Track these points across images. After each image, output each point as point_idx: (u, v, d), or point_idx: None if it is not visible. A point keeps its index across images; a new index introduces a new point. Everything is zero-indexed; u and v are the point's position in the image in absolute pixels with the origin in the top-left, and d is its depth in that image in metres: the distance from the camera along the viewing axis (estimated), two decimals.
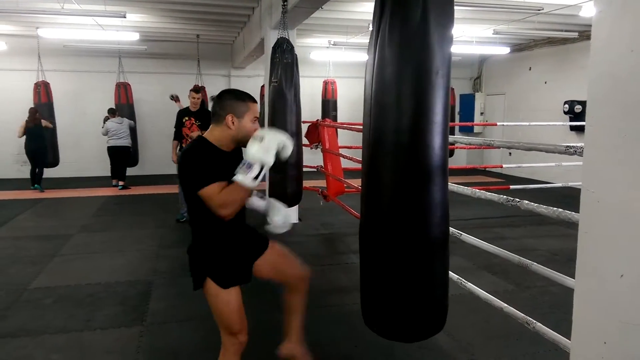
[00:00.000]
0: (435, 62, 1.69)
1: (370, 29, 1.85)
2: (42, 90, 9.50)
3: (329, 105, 11.41)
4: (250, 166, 1.95)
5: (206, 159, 2.07)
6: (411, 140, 1.72)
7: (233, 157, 2.17)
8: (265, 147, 1.96)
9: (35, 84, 9.51)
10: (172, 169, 11.10)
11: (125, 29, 9.00)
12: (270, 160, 1.97)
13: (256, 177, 1.96)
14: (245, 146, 2.06)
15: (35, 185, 9.00)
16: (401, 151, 1.73)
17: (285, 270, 2.47)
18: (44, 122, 8.95)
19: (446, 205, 1.82)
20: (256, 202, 2.38)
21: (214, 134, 2.15)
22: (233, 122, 2.11)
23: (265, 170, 1.99)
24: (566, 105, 9.49)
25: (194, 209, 2.17)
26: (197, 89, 6.43)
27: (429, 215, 1.78)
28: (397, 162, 1.75)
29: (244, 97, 2.17)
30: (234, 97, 2.16)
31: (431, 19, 1.67)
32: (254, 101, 2.20)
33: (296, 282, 2.49)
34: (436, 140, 1.72)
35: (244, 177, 1.95)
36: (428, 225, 1.78)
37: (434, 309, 1.90)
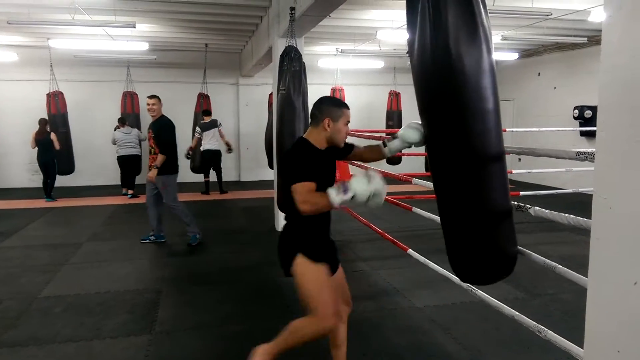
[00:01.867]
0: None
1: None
2: (53, 100, 9.60)
3: None
4: (346, 191, 2.18)
5: (306, 157, 2.36)
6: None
7: (326, 154, 2.46)
8: (367, 186, 2.20)
9: (47, 94, 9.61)
10: (180, 178, 11.20)
11: (135, 39, 9.09)
12: (363, 199, 2.20)
13: (343, 201, 2.19)
14: (335, 145, 2.44)
15: (47, 199, 9.07)
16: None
17: (341, 293, 2.59)
18: (52, 136, 8.94)
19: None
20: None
21: (312, 135, 2.43)
22: (329, 125, 2.38)
23: (352, 201, 2.20)
24: (576, 111, 9.43)
25: (289, 199, 2.34)
26: (152, 95, 5.78)
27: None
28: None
29: (339, 104, 2.47)
30: (331, 104, 2.47)
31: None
32: (347, 107, 2.47)
33: (345, 306, 2.63)
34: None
35: (335, 195, 2.18)
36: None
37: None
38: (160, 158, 5.46)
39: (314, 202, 2.22)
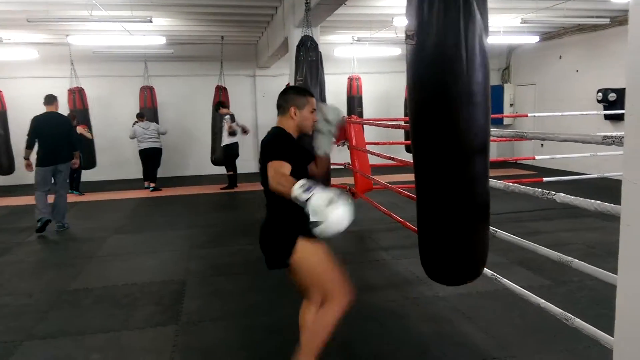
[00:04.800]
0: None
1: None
2: (77, 97, 9.74)
3: (354, 102, 11.34)
4: (307, 192, 2.04)
5: (284, 140, 2.46)
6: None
7: (298, 141, 2.57)
8: (326, 205, 1.99)
9: (69, 90, 9.76)
10: (197, 171, 11.40)
11: (152, 34, 9.16)
12: (314, 212, 2.00)
13: (297, 198, 2.08)
14: (304, 132, 2.55)
15: (74, 191, 9.24)
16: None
17: None
18: (79, 130, 9.06)
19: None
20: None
21: (283, 123, 2.53)
22: (295, 113, 2.50)
23: (303, 204, 2.05)
24: (599, 94, 9.21)
25: (269, 189, 2.39)
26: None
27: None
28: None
29: (303, 92, 2.59)
30: (295, 92, 2.59)
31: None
32: (312, 95, 2.58)
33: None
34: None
35: (297, 188, 2.07)
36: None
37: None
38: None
39: (282, 183, 2.18)
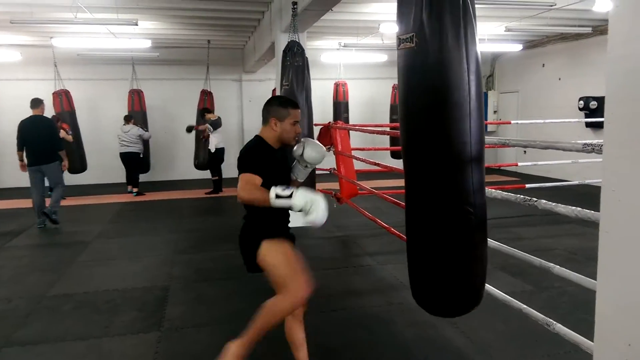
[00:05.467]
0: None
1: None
2: (64, 99, 9.60)
3: (340, 108, 11.39)
4: (289, 196, 2.15)
5: (258, 153, 2.45)
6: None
7: (278, 152, 2.56)
8: (309, 197, 2.14)
9: (54, 93, 9.63)
10: (184, 175, 11.30)
11: (138, 37, 9.09)
12: (300, 203, 2.14)
13: (280, 201, 2.19)
14: (286, 145, 2.54)
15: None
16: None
17: None
18: (62, 134, 8.93)
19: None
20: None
21: (264, 133, 2.53)
22: (276, 124, 2.48)
23: (287, 200, 2.17)
24: (581, 102, 9.37)
25: None
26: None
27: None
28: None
29: (285, 104, 2.53)
30: (277, 104, 2.54)
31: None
32: (295, 107, 2.53)
33: (298, 310, 2.61)
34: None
35: (277, 190, 2.18)
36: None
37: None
38: None
39: (252, 192, 2.27)
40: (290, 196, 2.15)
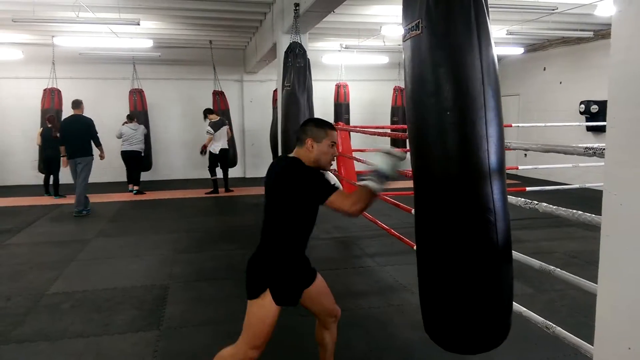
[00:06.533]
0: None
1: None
2: (56, 97, 9.65)
3: (341, 109, 11.40)
4: (379, 175, 2.16)
5: (311, 172, 2.29)
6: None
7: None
8: (391, 160, 2.19)
9: (44, 90, 9.64)
10: (184, 174, 11.34)
11: (139, 36, 9.10)
12: (394, 173, 2.19)
13: (380, 186, 2.18)
14: (321, 168, 2.38)
15: (54, 195, 9.09)
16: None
17: (323, 302, 2.56)
18: (54, 133, 8.92)
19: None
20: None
21: (300, 154, 2.38)
22: (312, 146, 2.35)
23: (387, 180, 2.19)
24: (582, 106, 9.37)
25: (274, 220, 2.36)
26: None
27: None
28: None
29: (322, 125, 2.42)
30: (314, 125, 2.41)
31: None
32: (332, 129, 2.41)
33: (328, 317, 2.59)
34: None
35: (374, 184, 2.15)
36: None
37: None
38: None
39: (355, 202, 2.16)
40: (378, 177, 2.14)
